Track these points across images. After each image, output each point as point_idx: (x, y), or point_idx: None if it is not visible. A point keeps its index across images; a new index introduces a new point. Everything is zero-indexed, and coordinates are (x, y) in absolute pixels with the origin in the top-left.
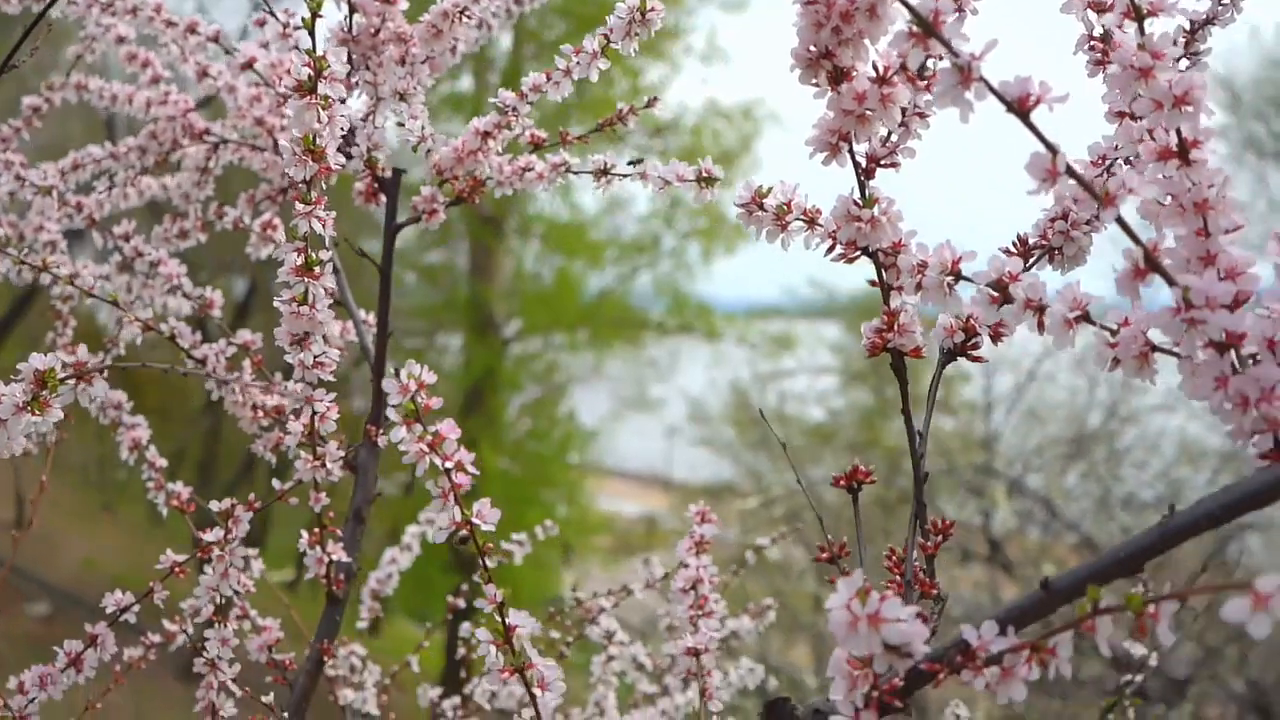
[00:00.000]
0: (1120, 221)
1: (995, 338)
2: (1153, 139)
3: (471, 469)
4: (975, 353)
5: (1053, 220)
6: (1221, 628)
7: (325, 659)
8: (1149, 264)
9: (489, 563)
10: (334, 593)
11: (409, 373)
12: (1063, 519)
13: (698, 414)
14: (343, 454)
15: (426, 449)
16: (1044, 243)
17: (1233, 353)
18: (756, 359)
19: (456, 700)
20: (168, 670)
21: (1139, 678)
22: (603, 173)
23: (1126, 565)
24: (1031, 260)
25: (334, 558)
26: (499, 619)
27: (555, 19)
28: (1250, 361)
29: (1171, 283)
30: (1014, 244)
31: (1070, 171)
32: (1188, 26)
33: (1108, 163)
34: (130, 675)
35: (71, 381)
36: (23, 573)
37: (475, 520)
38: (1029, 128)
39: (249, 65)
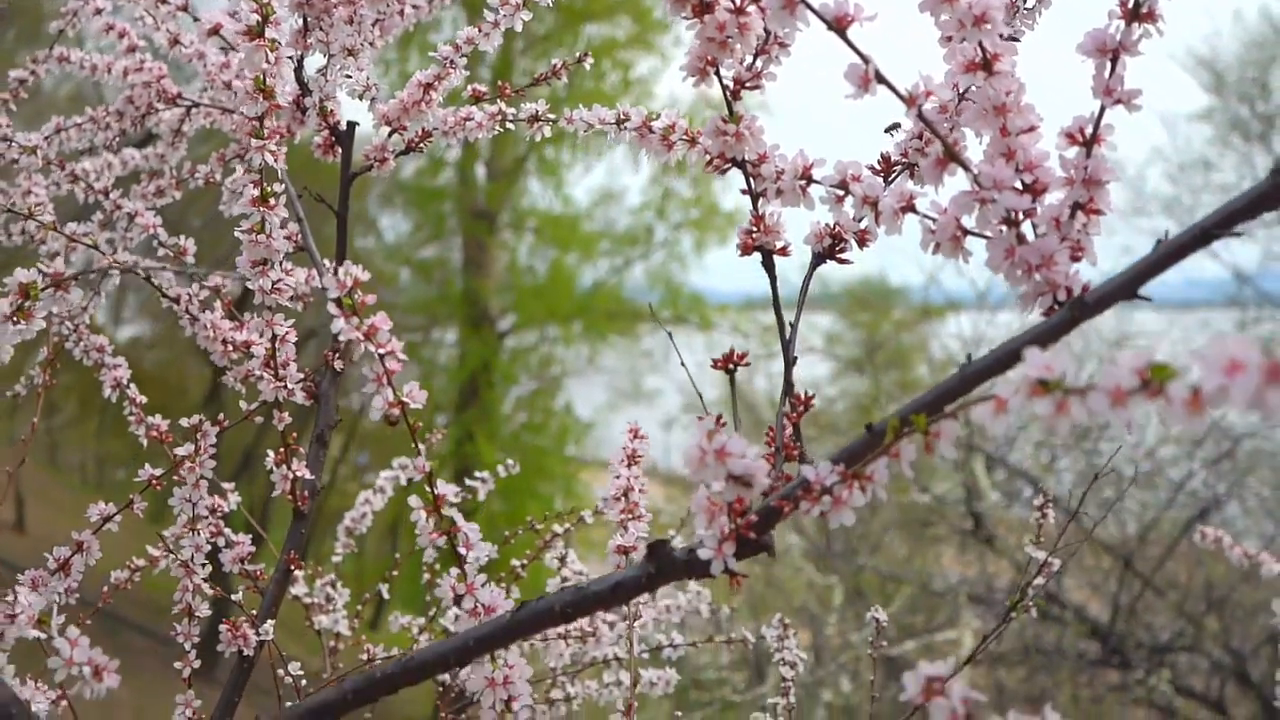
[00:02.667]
0: (921, 117)
1: (861, 243)
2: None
3: (402, 356)
4: (843, 256)
5: (911, 139)
6: (1200, 597)
7: (292, 568)
8: (949, 155)
9: (420, 443)
10: (299, 508)
11: (346, 271)
12: (1046, 493)
13: (692, 404)
14: (302, 375)
15: (363, 337)
16: (904, 159)
17: (1030, 230)
18: (750, 349)
19: (422, 620)
20: (171, 671)
21: (1040, 580)
22: (535, 119)
23: (933, 405)
24: (894, 175)
25: (298, 475)
26: (429, 489)
27: (545, 13)
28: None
29: (967, 169)
30: (878, 160)
31: (879, 78)
32: None
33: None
34: (133, 675)
35: (50, 290)
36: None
37: (406, 399)
38: (846, 43)
39: (215, 31)
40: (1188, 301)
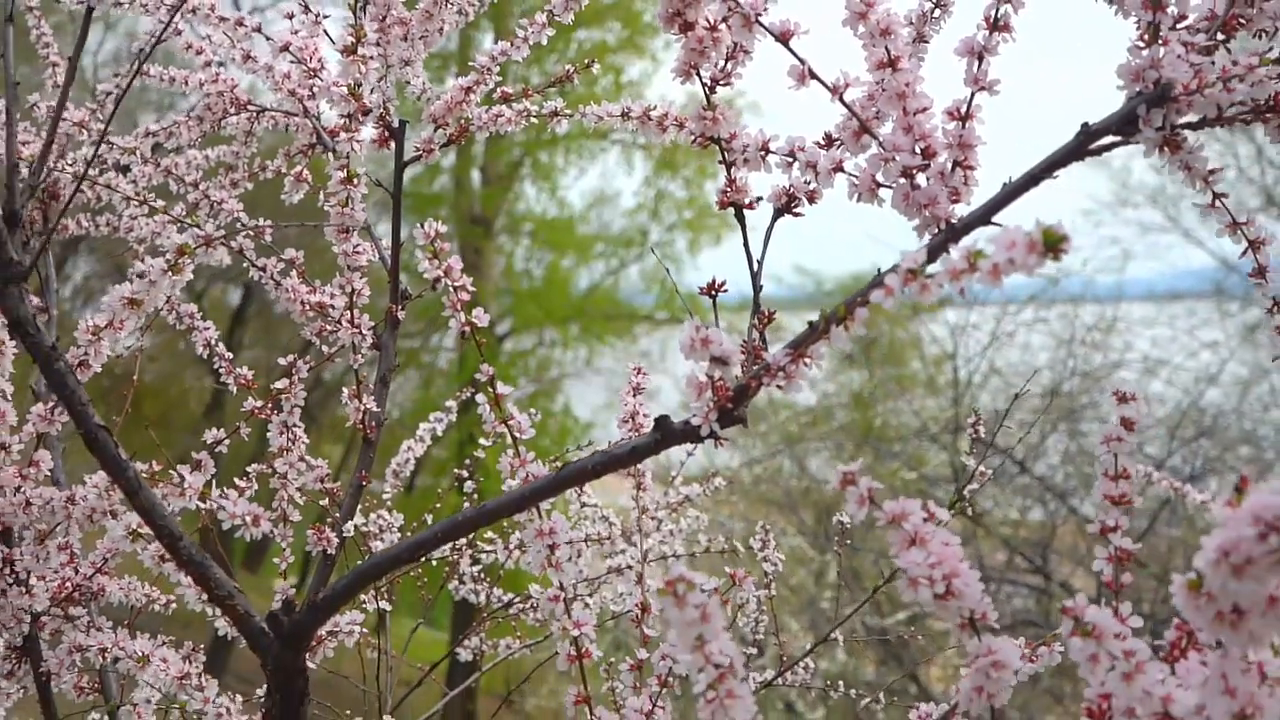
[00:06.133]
0: (842, 102)
1: (810, 200)
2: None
3: (471, 288)
4: (796, 210)
5: (844, 120)
6: (1181, 569)
7: (364, 484)
8: (862, 129)
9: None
10: (367, 436)
11: (430, 225)
12: (1031, 472)
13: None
14: (374, 325)
15: (442, 274)
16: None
17: (923, 180)
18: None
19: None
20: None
21: (974, 486)
22: (554, 114)
23: (850, 302)
24: (835, 148)
25: (368, 408)
26: (491, 389)
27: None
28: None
29: (875, 138)
30: (823, 136)
31: (812, 74)
32: None
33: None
34: None
35: (202, 248)
36: None
37: (475, 320)
38: (789, 51)
39: (285, 48)
40: (1175, 292)
